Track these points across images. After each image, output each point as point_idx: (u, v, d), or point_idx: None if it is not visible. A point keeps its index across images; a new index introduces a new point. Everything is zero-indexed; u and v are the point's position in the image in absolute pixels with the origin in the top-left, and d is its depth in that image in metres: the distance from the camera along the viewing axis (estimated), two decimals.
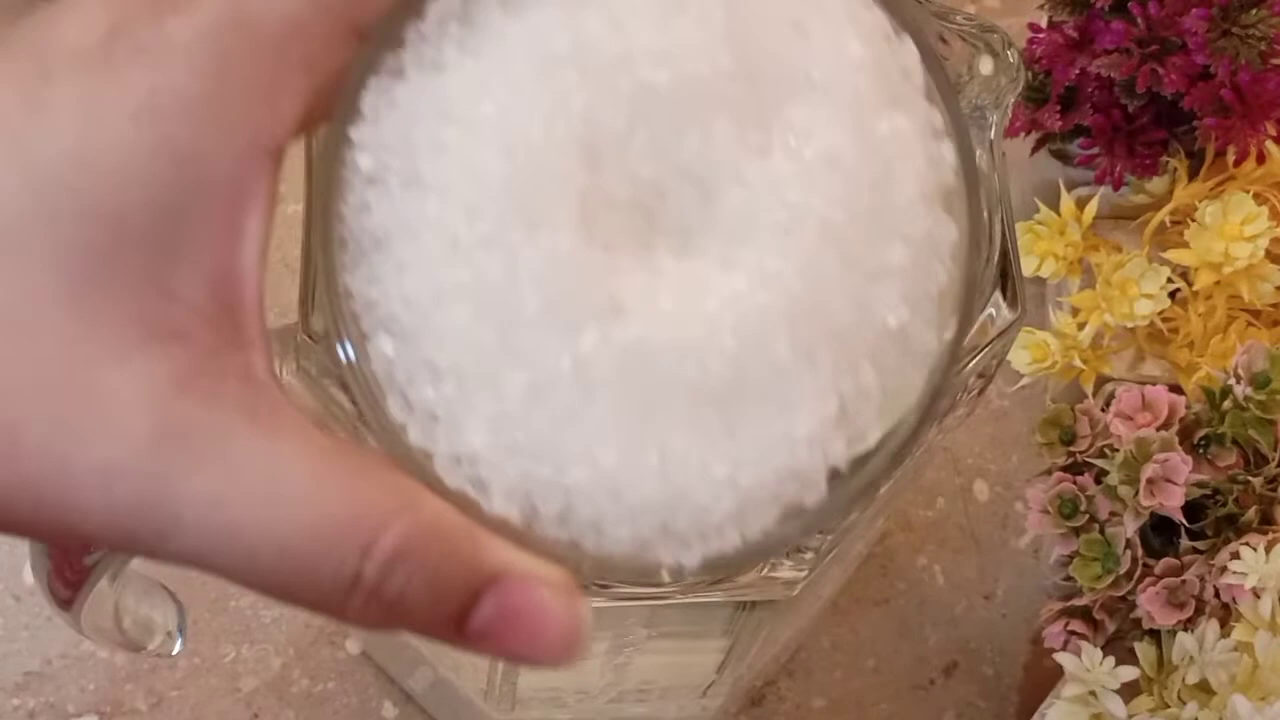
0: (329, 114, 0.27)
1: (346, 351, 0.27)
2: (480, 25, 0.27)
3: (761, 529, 0.28)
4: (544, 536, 0.28)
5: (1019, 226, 0.55)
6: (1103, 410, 0.50)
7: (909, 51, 0.28)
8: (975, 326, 0.34)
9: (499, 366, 0.27)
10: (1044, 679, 0.52)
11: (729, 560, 0.28)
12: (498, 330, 0.26)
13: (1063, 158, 0.58)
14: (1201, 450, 0.49)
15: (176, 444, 0.25)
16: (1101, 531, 0.49)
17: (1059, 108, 0.55)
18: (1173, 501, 0.47)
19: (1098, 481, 0.49)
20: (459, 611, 0.27)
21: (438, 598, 0.26)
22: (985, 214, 0.29)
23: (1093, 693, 0.46)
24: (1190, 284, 0.54)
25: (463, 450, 0.27)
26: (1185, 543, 0.48)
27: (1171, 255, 0.54)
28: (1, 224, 0.25)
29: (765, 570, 0.34)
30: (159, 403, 0.25)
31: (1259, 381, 0.48)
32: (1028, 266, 0.55)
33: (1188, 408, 0.50)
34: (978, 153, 0.36)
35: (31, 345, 0.25)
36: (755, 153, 0.27)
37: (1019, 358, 0.54)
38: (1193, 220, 0.54)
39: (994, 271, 0.34)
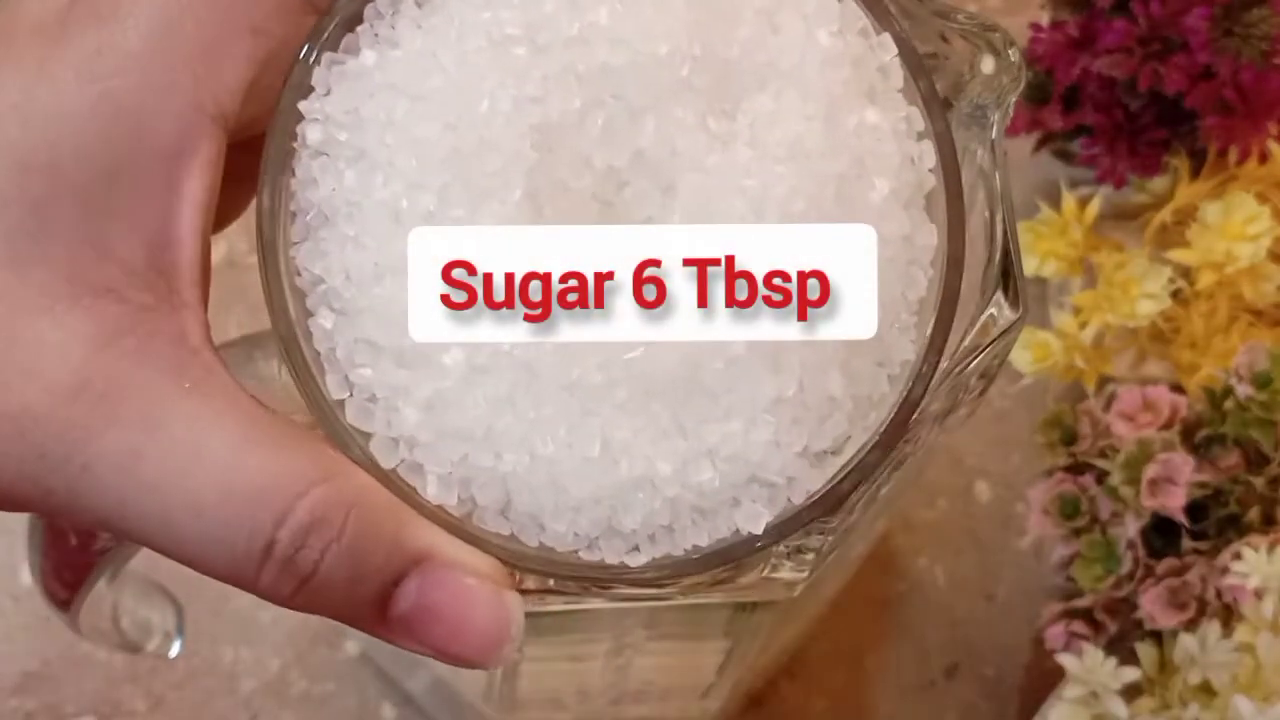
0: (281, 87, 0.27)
1: (285, 327, 0.27)
2: (437, 4, 0.27)
3: (715, 536, 0.27)
4: (483, 529, 0.27)
5: (1021, 226, 0.55)
6: (1104, 410, 0.50)
7: (887, 49, 0.28)
8: (976, 327, 0.34)
9: (437, 344, 0.26)
10: (1045, 680, 0.52)
11: (680, 565, 0.27)
12: None
13: (1064, 157, 0.58)
14: (1203, 451, 0.49)
15: (96, 397, 0.25)
16: (1103, 532, 0.49)
17: (1061, 107, 0.55)
18: (1174, 502, 0.47)
19: (1099, 482, 0.49)
20: (379, 594, 0.26)
21: (355, 575, 0.25)
22: (966, 220, 0.28)
23: (1094, 694, 0.46)
24: (1192, 284, 0.54)
25: (400, 433, 0.26)
26: (1187, 543, 0.48)
27: (1173, 255, 0.54)
28: None
29: (765, 571, 0.34)
30: (83, 355, 0.25)
31: (1260, 381, 0.48)
32: (1029, 266, 0.55)
33: (1189, 408, 0.49)
34: (979, 152, 0.35)
35: None
36: (717, 140, 0.26)
37: (1021, 357, 0.54)
38: (1194, 220, 0.54)
39: (995, 271, 0.34)
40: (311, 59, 0.27)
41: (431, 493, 0.27)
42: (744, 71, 0.27)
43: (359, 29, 0.27)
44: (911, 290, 0.28)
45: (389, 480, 0.27)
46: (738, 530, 0.27)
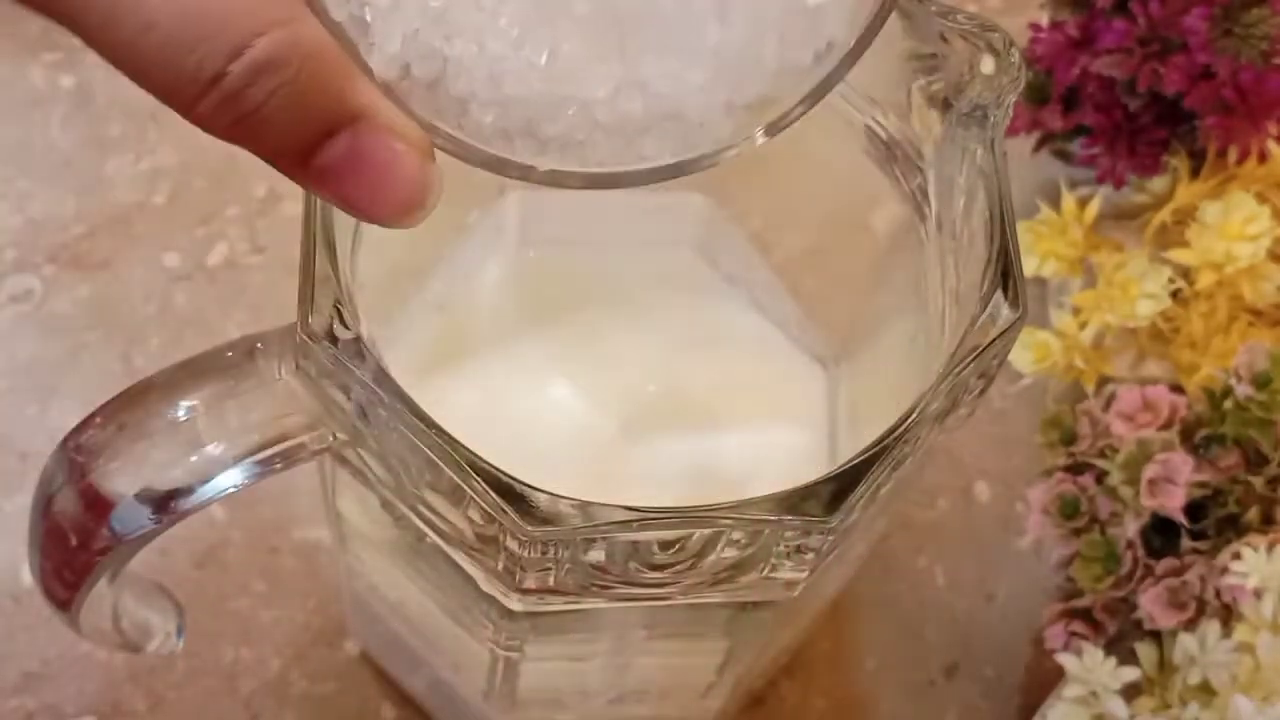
0: None
1: None
2: None
3: (620, 161, 0.28)
4: (407, 99, 0.27)
5: (1021, 226, 0.55)
6: (1104, 410, 0.50)
7: None
8: (976, 327, 0.33)
9: None
10: (1045, 680, 0.52)
11: (580, 179, 0.28)
12: None
13: (1064, 157, 0.58)
14: (1202, 450, 0.49)
15: None
16: (1102, 532, 0.49)
17: (1060, 107, 0.55)
18: (1174, 502, 0.47)
19: (1099, 482, 0.49)
20: (311, 142, 0.26)
21: (294, 121, 0.26)
22: None
23: (1094, 693, 0.46)
24: (1192, 284, 0.54)
25: None
26: (1186, 543, 0.48)
27: (1173, 255, 0.54)
28: None
29: (765, 571, 0.34)
30: None
31: (1260, 381, 0.48)
32: (1029, 266, 0.55)
33: (1189, 408, 0.49)
34: (979, 152, 0.35)
35: None
36: None
37: (1020, 357, 0.54)
38: (1194, 220, 0.54)
39: (995, 271, 0.34)
40: None
41: (371, 51, 0.27)
42: None
43: None
44: None
45: (333, 27, 0.27)
46: (641, 158, 0.28)
